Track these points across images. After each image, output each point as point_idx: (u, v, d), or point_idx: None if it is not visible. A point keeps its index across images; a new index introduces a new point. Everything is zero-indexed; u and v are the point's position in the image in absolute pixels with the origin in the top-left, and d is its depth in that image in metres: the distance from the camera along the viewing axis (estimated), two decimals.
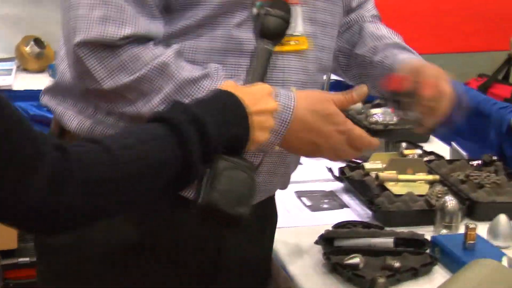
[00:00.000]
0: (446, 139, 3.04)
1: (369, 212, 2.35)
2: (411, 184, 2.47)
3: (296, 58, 1.62)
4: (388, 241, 2.11)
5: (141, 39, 1.48)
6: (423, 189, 2.44)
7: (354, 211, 2.40)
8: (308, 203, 2.42)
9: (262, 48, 1.50)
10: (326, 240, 2.10)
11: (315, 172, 2.64)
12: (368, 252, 2.05)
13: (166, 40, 1.54)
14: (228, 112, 1.30)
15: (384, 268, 1.98)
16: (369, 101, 3.29)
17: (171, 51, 1.50)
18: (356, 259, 1.99)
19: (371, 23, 1.92)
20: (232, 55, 1.54)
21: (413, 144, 2.87)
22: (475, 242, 2.05)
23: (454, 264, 2.00)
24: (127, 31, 1.46)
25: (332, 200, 2.48)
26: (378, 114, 3.11)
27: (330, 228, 2.16)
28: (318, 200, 2.46)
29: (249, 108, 1.32)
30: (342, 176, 2.57)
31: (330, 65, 1.78)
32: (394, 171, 2.50)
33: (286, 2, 1.53)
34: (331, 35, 1.72)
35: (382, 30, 1.88)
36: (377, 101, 3.33)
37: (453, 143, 2.87)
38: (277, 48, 1.57)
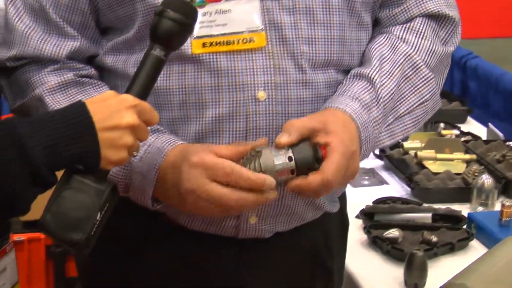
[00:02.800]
0: (483, 121, 3.08)
1: (408, 189, 2.42)
2: (449, 163, 2.53)
3: (256, 56, 1.40)
4: (426, 217, 2.19)
5: (40, 60, 1.44)
6: (460, 167, 2.49)
7: (393, 187, 2.47)
8: None
9: (148, 53, 1.27)
10: (367, 215, 2.19)
11: None
12: (406, 227, 2.12)
13: (102, 55, 1.48)
14: (67, 129, 1.18)
15: (422, 242, 2.04)
16: None
17: (51, 83, 1.43)
18: (395, 233, 2.06)
19: (399, 27, 1.53)
20: (171, 62, 1.39)
21: (451, 125, 2.92)
22: (510, 219, 2.11)
23: (489, 239, 2.06)
24: (13, 52, 1.44)
25: (372, 177, 2.54)
26: None
27: (371, 204, 2.25)
28: (359, 177, 2.51)
29: (98, 123, 1.19)
30: (382, 154, 2.63)
31: (343, 57, 1.47)
32: (432, 150, 2.55)
33: (189, 4, 1.30)
34: (325, 22, 1.43)
35: (383, 47, 1.51)
36: None
37: (490, 124, 2.92)
38: (219, 49, 1.39)
